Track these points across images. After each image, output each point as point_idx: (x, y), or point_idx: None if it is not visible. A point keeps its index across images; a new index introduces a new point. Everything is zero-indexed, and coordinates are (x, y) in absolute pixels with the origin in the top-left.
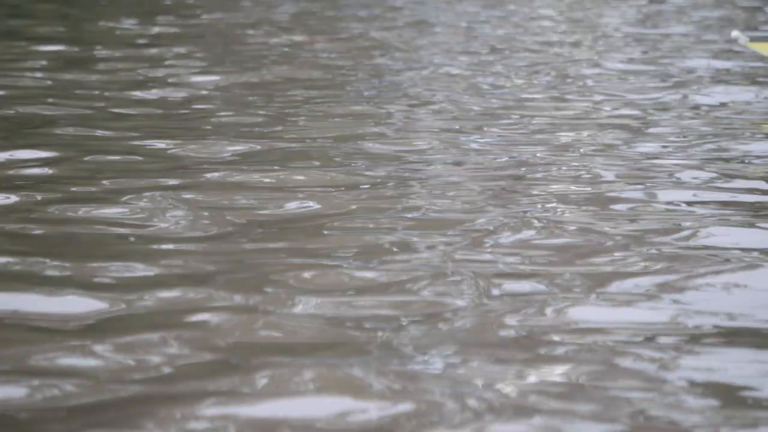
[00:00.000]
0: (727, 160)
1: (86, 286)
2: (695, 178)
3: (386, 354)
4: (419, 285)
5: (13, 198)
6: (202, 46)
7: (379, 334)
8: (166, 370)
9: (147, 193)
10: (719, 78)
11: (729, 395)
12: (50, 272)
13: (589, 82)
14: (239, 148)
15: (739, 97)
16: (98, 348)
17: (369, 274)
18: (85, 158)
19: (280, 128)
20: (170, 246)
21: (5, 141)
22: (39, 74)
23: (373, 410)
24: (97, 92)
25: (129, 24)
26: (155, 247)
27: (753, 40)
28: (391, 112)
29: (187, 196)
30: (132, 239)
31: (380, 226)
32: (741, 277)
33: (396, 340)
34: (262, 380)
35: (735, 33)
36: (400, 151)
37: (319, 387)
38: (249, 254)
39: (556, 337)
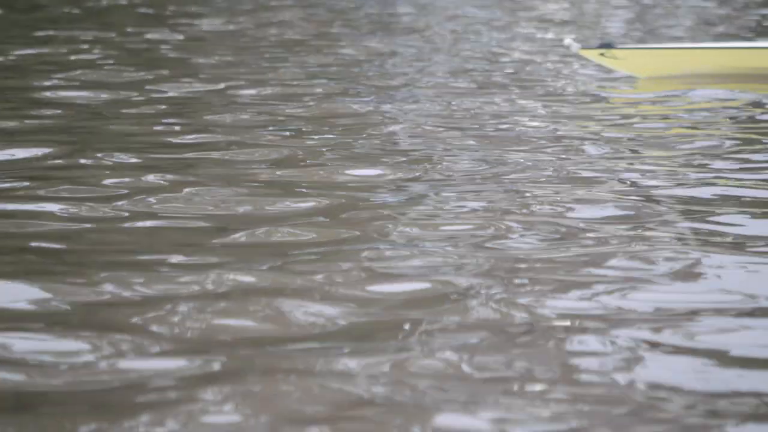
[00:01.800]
0: (728, 156)
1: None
2: (696, 174)
3: (407, 340)
4: (441, 274)
5: (30, 193)
6: (209, 49)
7: (404, 321)
8: (206, 349)
9: (166, 190)
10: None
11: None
12: (82, 269)
13: (587, 86)
14: (244, 146)
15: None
16: (110, 338)
17: (400, 264)
18: (98, 154)
19: (283, 128)
20: (190, 240)
21: (22, 137)
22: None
23: (385, 394)
24: (104, 93)
25: (136, 30)
26: (183, 239)
27: (584, 47)
28: (399, 114)
29: (210, 191)
30: (160, 234)
31: (398, 220)
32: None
33: (416, 328)
34: (291, 364)
35: (567, 41)
36: (408, 149)
37: (342, 372)
38: (269, 247)
39: (574, 323)
